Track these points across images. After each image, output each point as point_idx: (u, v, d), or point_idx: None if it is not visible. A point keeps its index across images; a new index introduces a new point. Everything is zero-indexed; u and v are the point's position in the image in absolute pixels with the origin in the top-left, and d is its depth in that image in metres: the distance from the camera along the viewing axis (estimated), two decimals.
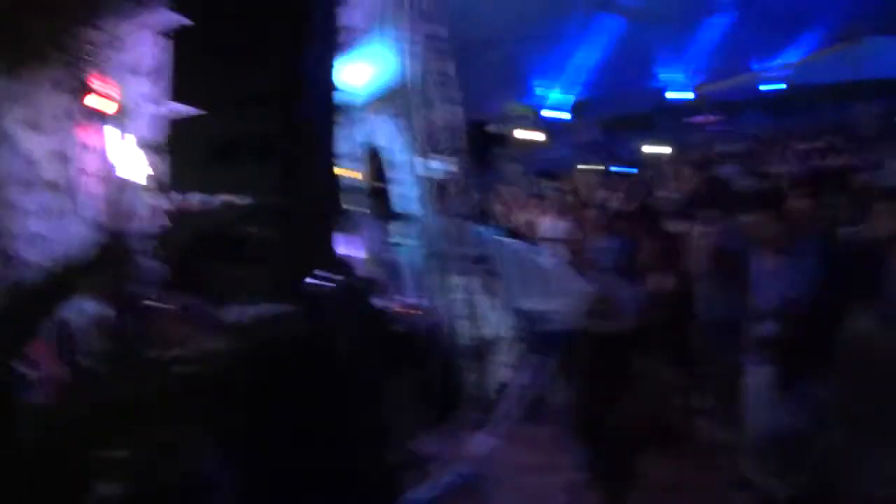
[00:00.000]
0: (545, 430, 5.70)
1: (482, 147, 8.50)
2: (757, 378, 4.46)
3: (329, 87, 4.63)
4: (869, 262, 4.89)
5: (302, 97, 4.32)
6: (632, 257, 6.08)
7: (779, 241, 5.26)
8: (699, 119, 23.48)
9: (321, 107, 4.55)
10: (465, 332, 6.65)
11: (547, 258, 7.44)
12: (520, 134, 19.47)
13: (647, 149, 21.94)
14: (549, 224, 9.15)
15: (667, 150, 20.30)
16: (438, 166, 7.24)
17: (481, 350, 6.58)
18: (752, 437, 4.58)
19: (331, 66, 4.61)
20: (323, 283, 4.35)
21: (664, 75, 22.92)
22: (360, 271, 6.13)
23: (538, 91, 20.96)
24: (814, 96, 26.51)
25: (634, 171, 17.32)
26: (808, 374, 3.94)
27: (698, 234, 7.06)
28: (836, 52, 19.14)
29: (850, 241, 5.62)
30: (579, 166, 19.20)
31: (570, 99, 21.23)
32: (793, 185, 7.37)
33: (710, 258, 6.27)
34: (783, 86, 24.35)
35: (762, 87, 24.70)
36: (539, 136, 20.73)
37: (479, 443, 5.82)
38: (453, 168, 7.25)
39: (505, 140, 18.22)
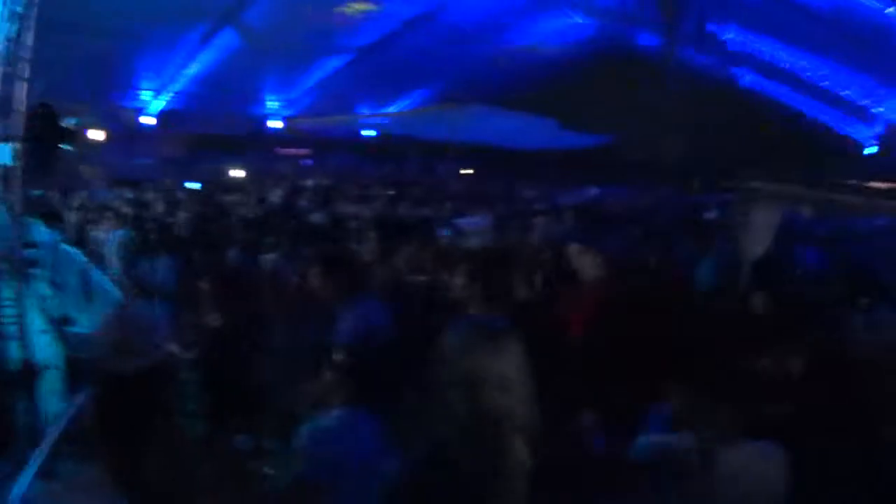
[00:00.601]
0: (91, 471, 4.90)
1: (56, 140, 7.41)
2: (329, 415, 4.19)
3: None
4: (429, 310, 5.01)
5: None
6: (184, 282, 5.67)
7: (340, 278, 5.23)
8: (290, 151, 23.65)
9: None
10: (12, 351, 5.57)
11: (104, 274, 6.66)
12: (100, 134, 17.78)
13: (232, 171, 21.51)
14: (110, 235, 8.33)
15: (251, 175, 20.03)
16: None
17: (29, 375, 5.54)
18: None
19: None
20: None
21: (266, 102, 22.68)
22: None
23: (136, 93, 19.31)
24: (407, 148, 28.19)
25: (207, 189, 16.41)
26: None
27: (262, 264, 6.96)
28: (436, 111, 20.28)
29: (411, 288, 5.82)
30: (159, 178, 18.17)
31: (165, 106, 19.93)
32: (365, 228, 7.62)
33: (271, 289, 6.10)
34: (374, 133, 25.54)
35: (360, 132, 25.65)
36: (121, 139, 19.34)
37: (23, 483, 4.87)
38: (14, 156, 6.13)
39: (83, 137, 16.46)
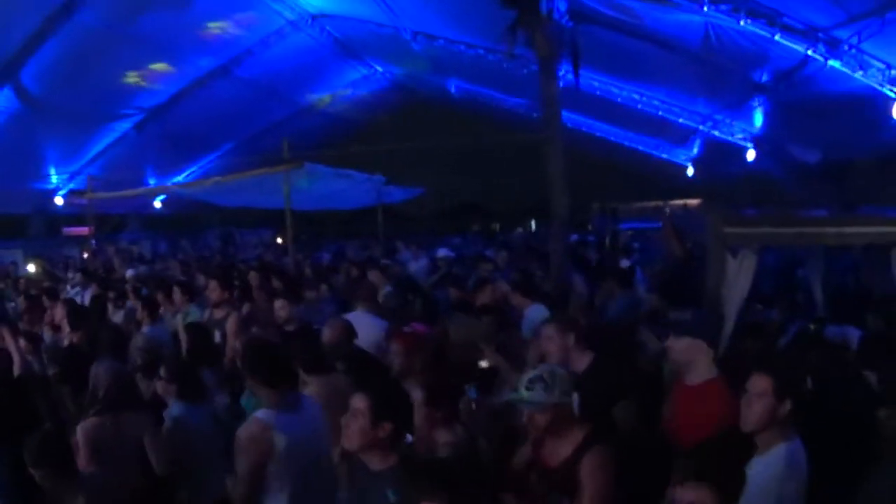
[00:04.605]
0: None
1: None
2: None
3: None
4: None
5: None
6: None
7: None
8: (75, 230, 20.94)
9: None
10: None
11: None
12: None
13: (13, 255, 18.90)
14: None
15: (34, 263, 17.37)
16: None
17: None
18: None
19: None
20: None
21: (49, 176, 19.90)
22: None
23: None
24: (205, 218, 26.31)
25: None
26: None
27: None
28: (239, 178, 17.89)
29: None
30: None
31: None
32: None
33: None
34: (161, 205, 23.58)
35: (154, 203, 23.62)
36: None
37: None
38: None
39: None
